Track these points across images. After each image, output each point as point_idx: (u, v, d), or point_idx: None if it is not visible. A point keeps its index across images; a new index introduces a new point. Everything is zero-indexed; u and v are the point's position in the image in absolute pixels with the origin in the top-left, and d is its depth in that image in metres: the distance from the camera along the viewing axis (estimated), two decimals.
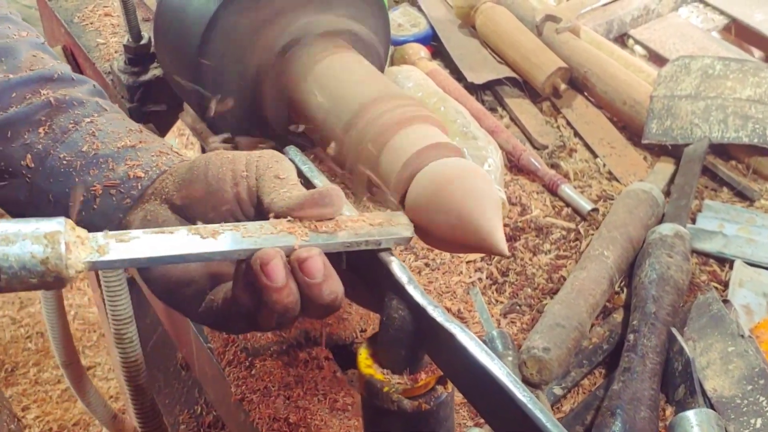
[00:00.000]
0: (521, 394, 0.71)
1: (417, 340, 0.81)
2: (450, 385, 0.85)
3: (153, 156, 0.93)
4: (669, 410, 1.09)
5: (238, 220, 0.85)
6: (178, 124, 1.33)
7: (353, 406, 1.14)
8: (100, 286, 2.03)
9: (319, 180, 0.91)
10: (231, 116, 1.13)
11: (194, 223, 0.86)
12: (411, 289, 0.81)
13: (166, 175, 0.91)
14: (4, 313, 3.39)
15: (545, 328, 1.14)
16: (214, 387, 1.28)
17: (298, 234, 0.81)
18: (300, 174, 0.92)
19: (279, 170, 0.87)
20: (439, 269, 1.31)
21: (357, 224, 0.85)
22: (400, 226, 0.88)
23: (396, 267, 0.83)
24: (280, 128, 1.13)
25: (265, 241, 0.80)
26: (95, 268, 0.75)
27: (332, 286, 0.81)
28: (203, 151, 2.29)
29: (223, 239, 0.80)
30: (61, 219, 0.73)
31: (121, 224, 0.90)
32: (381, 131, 0.97)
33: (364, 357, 0.86)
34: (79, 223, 0.89)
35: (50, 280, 0.72)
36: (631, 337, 1.13)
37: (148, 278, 0.89)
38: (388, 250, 0.85)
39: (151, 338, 1.79)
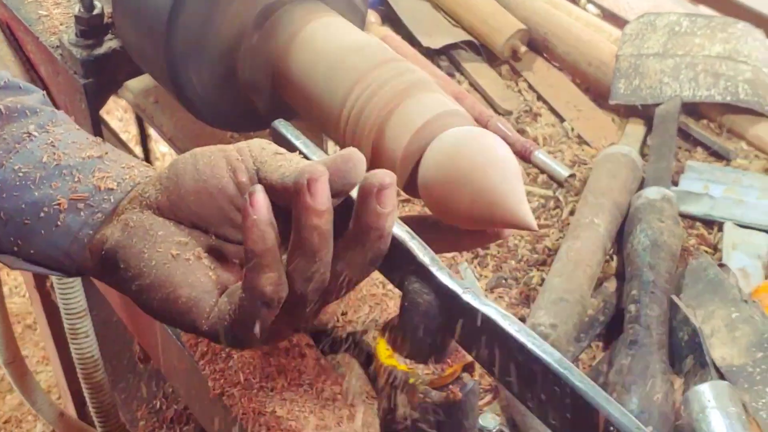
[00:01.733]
0: (579, 381, 0.66)
1: (444, 325, 0.75)
2: (477, 372, 0.79)
3: (123, 168, 0.84)
4: (678, 382, 1.05)
5: (234, 205, 0.77)
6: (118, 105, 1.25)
7: (343, 395, 1.07)
8: (35, 275, 1.92)
9: (316, 155, 0.83)
10: (207, 93, 1.05)
11: (186, 224, 0.78)
12: (436, 271, 0.74)
13: (142, 185, 0.81)
14: None
15: (548, 303, 1.08)
16: (186, 382, 1.20)
17: None
18: (293, 148, 0.84)
19: (276, 148, 0.79)
20: None
21: None
22: None
23: (416, 247, 0.76)
24: (264, 104, 1.05)
25: None
26: None
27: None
28: (143, 139, 2.19)
29: None
30: None
31: (92, 242, 0.81)
32: (385, 102, 0.89)
33: (383, 347, 0.79)
34: (39, 245, 0.81)
35: None
36: (632, 307, 1.08)
37: (146, 304, 0.78)
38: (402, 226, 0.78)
39: (102, 330, 1.70)
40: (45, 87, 1.29)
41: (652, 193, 1.22)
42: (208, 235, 0.79)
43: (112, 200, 0.81)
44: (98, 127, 1.19)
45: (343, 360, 1.17)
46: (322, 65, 0.97)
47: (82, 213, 0.81)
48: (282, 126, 0.87)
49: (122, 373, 1.61)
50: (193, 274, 0.76)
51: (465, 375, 0.78)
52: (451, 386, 0.77)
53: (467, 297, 0.72)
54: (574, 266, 1.13)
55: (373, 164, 0.90)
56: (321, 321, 1.15)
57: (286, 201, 0.73)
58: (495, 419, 0.95)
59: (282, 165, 0.76)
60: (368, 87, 0.91)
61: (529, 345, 0.68)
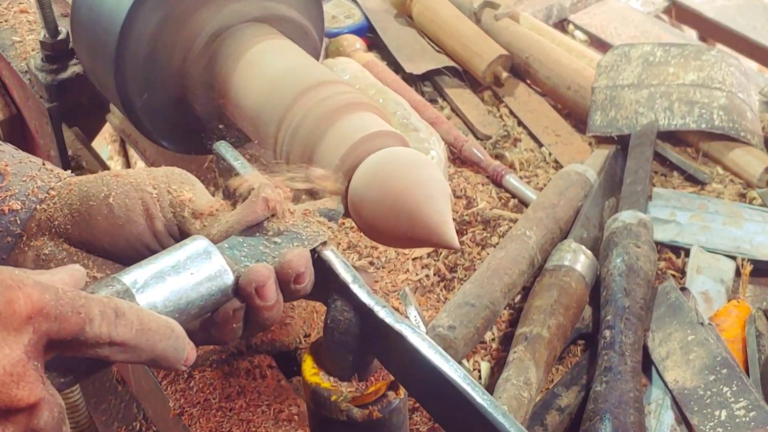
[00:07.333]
0: (480, 397, 0.66)
1: (365, 343, 0.76)
2: (402, 391, 0.80)
3: (24, 181, 0.81)
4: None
5: (152, 251, 0.78)
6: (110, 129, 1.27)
7: (299, 416, 1.08)
8: None
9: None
10: (158, 114, 1.07)
11: (99, 254, 0.79)
12: (356, 289, 0.75)
13: (47, 203, 0.80)
14: None
15: (453, 306, 1.11)
16: (152, 402, 1.21)
17: None
18: (232, 170, 0.86)
19: (194, 200, 0.80)
20: (384, 267, 1.26)
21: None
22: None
23: (339, 265, 0.77)
24: (211, 124, 1.06)
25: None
26: None
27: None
28: (127, 160, 2.21)
29: None
30: None
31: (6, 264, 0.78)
32: (319, 120, 0.91)
33: (309, 365, 0.80)
34: None
35: None
36: (607, 333, 1.07)
37: None
38: (327, 246, 0.79)
39: None
40: (18, 111, 1.32)
41: (628, 217, 1.21)
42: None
43: (19, 221, 0.80)
44: (64, 151, 1.21)
45: None
46: (261, 89, 0.99)
47: None
48: (222, 148, 0.89)
49: (104, 395, 1.62)
50: None
51: (390, 393, 0.79)
52: (373, 405, 0.78)
53: (382, 314, 0.73)
54: (491, 274, 1.15)
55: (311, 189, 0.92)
56: (284, 343, 1.16)
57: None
58: None
59: (207, 223, 0.78)
60: (300, 110, 0.92)
61: (436, 361, 0.69)
